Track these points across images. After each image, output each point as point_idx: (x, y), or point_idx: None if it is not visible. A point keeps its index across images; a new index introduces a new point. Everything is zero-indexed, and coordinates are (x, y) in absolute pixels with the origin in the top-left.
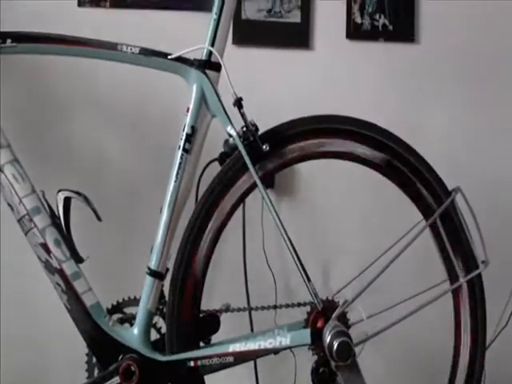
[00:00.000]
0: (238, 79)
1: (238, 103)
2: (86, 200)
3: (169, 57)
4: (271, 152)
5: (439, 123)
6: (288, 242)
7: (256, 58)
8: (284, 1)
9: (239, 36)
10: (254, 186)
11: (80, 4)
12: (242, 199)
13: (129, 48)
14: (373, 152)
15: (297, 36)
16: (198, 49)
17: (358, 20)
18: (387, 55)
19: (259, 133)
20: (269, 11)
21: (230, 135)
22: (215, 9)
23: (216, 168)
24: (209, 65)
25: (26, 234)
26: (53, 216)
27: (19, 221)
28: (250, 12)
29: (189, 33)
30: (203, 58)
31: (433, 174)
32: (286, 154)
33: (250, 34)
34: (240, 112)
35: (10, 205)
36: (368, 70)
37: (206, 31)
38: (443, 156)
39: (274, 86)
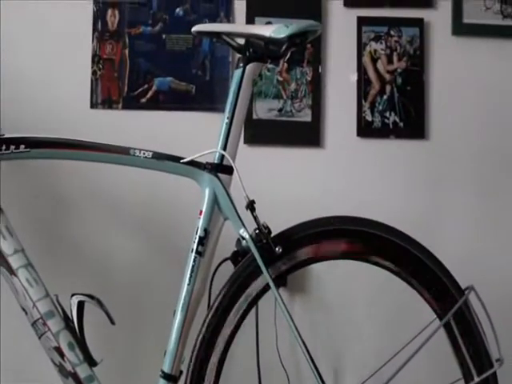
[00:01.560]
0: (249, 179)
1: (251, 206)
2: (100, 303)
3: (181, 161)
4: (284, 254)
5: (451, 220)
6: (301, 344)
7: (267, 157)
8: (295, 100)
9: (251, 135)
10: (267, 288)
11: (92, 106)
12: (255, 301)
13: (141, 152)
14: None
15: (308, 135)
16: (210, 153)
17: (369, 118)
18: (398, 152)
19: (272, 235)
20: (280, 110)
21: (243, 238)
22: (227, 112)
23: (229, 266)
24: (221, 168)
25: (39, 338)
26: (66, 319)
27: (33, 324)
28: (261, 111)
29: (200, 133)
30: (215, 161)
31: (446, 273)
32: (298, 256)
33: (261, 133)
34: (253, 215)
35: (23, 309)
36: (379, 168)
37: (218, 134)
38: (455, 254)
39: (285, 185)
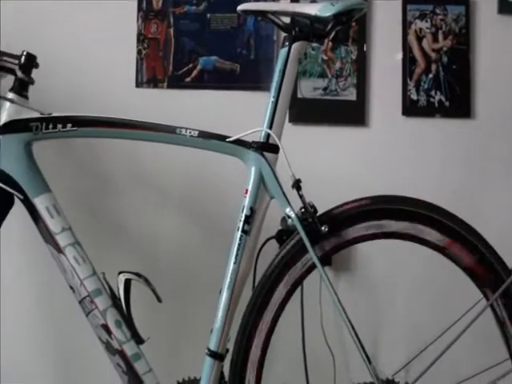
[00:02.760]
0: (294, 158)
1: (297, 185)
2: (147, 281)
3: (227, 140)
4: (330, 233)
5: (497, 199)
6: (347, 322)
7: (312, 136)
8: (340, 79)
9: (295, 114)
10: (313, 267)
11: (138, 85)
12: (301, 280)
13: (187, 131)
14: (434, 234)
15: (353, 113)
16: (256, 131)
17: (414, 96)
18: (444, 131)
19: (317, 214)
20: (324, 89)
21: (289, 217)
22: (273, 91)
23: (273, 245)
24: (267, 147)
25: (87, 316)
26: (113, 297)
27: (80, 302)
28: (305, 91)
29: (245, 112)
30: (261, 140)
31: (494, 254)
32: (344, 235)
33: (306, 112)
34: (299, 194)
35: (71, 287)
36: (424, 147)
37: (263, 113)
38: (504, 234)
39: (330, 164)
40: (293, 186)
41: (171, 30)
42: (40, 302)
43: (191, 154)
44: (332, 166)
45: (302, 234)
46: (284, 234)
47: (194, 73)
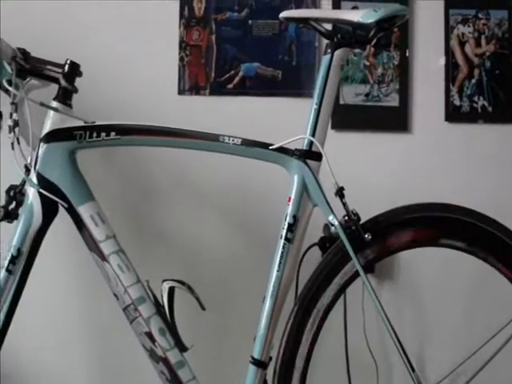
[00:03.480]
0: (337, 164)
1: (340, 193)
2: (190, 289)
3: (270, 147)
4: (373, 241)
5: None
6: (390, 330)
7: (354, 143)
8: (382, 85)
9: (338, 120)
10: (356, 275)
11: (180, 92)
12: (344, 288)
13: (231, 139)
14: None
15: (395, 119)
16: (299, 139)
17: (457, 102)
18: (487, 137)
19: (361, 222)
20: (367, 95)
21: (332, 224)
22: (316, 98)
23: (315, 252)
24: (310, 155)
25: (131, 323)
26: (157, 305)
27: (124, 310)
28: (347, 97)
29: (287, 119)
30: (304, 147)
31: None
32: (388, 243)
33: (348, 118)
34: (342, 202)
35: (115, 294)
36: (468, 153)
37: (305, 119)
38: None
39: (372, 170)
40: (336, 194)
41: (213, 37)
42: (84, 310)
43: (234, 162)
44: (375, 172)
45: (346, 242)
46: (327, 241)
47: (236, 79)
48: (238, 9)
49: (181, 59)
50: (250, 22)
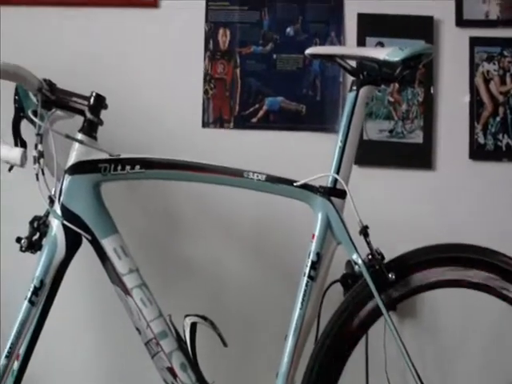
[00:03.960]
0: (360, 201)
1: (364, 231)
2: (213, 325)
3: (295, 184)
4: (397, 281)
5: None
6: (413, 370)
7: (378, 178)
8: (406, 121)
9: (361, 156)
10: (379, 314)
11: (204, 125)
12: (366, 327)
13: (255, 175)
14: (502, 284)
15: (419, 156)
16: (323, 176)
17: (481, 140)
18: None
19: (385, 261)
20: (391, 131)
21: (356, 263)
22: (340, 135)
23: (338, 289)
24: (334, 192)
25: (152, 358)
26: (179, 340)
27: (146, 344)
28: (371, 132)
29: (311, 153)
30: (328, 185)
31: None
32: (411, 283)
33: (371, 154)
34: (366, 241)
35: (137, 328)
36: (492, 191)
37: (329, 154)
38: None
39: (396, 208)
40: (360, 233)
41: (238, 71)
42: (106, 344)
43: (259, 195)
44: (398, 210)
45: (369, 281)
46: (349, 277)
47: (260, 113)
48: (263, 43)
49: (205, 92)
50: (274, 56)
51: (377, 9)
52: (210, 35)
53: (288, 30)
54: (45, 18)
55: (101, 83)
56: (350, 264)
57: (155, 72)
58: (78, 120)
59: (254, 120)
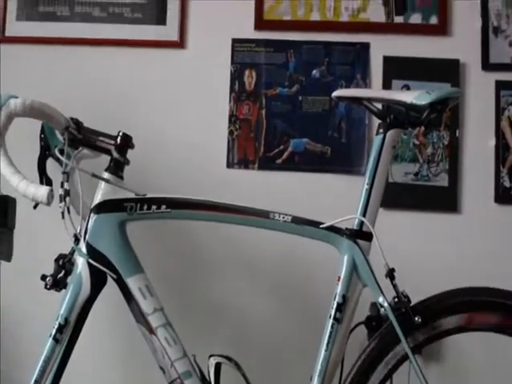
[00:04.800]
0: (386, 243)
1: (390, 274)
2: (237, 366)
3: (320, 226)
4: (423, 324)
5: None
6: None
7: (403, 221)
8: (431, 164)
9: (387, 199)
10: (405, 358)
11: (229, 165)
12: (392, 371)
13: (281, 216)
14: None
15: (444, 200)
16: (350, 219)
17: (507, 184)
18: None
19: (411, 304)
20: (416, 174)
21: (382, 306)
22: (367, 178)
23: (362, 330)
24: (360, 235)
25: None
26: (204, 380)
27: None
28: (397, 175)
29: (336, 196)
30: (355, 227)
31: None
32: (438, 327)
33: (397, 197)
34: (392, 284)
35: (161, 367)
36: None
37: (354, 197)
38: None
39: (422, 251)
40: (386, 276)
41: (263, 112)
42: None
43: (284, 236)
44: (424, 253)
45: (395, 324)
46: (374, 320)
47: (285, 154)
48: (289, 84)
49: (230, 133)
50: (300, 97)
51: (403, 52)
52: (236, 76)
53: (314, 72)
54: (72, 57)
55: (127, 123)
56: (374, 306)
57: (181, 112)
58: (104, 159)
59: (279, 161)
